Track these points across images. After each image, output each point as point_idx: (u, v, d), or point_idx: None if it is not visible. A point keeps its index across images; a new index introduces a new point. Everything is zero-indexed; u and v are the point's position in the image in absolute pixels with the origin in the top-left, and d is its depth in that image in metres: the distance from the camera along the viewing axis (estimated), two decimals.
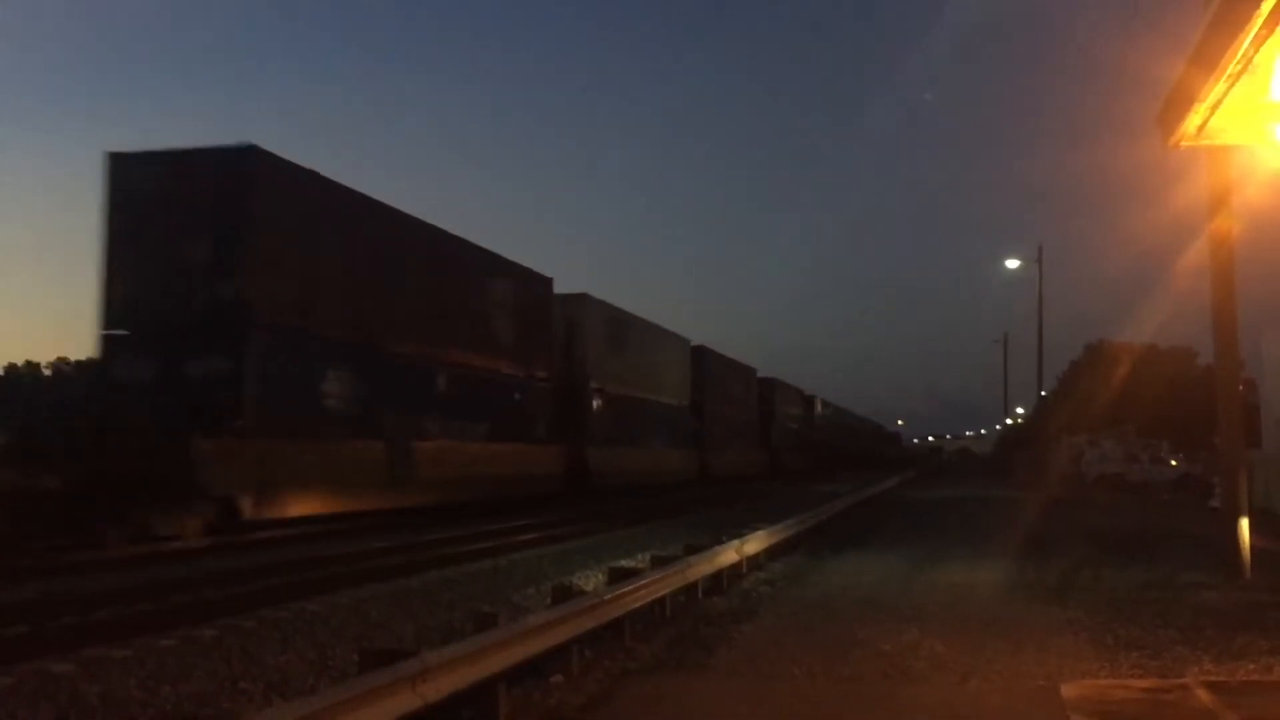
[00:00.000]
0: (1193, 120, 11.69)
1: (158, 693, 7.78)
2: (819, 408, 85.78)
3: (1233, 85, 10.33)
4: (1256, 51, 9.34)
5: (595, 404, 35.36)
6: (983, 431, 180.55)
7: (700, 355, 49.62)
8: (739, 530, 16.19)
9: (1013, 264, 55.01)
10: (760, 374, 65.02)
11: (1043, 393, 58.74)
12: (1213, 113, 11.34)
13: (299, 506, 19.67)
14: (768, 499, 34.98)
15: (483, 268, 28.62)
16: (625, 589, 9.81)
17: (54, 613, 10.60)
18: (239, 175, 19.57)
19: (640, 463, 39.43)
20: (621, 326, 38.67)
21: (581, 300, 35.03)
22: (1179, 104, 11.75)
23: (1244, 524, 14.09)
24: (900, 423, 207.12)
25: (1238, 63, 9.67)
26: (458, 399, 26.04)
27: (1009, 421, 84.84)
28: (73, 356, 33.55)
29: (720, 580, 13.42)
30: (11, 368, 39.25)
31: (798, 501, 28.88)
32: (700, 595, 12.49)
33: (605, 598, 9.28)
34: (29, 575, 13.16)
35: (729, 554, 13.86)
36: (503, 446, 28.20)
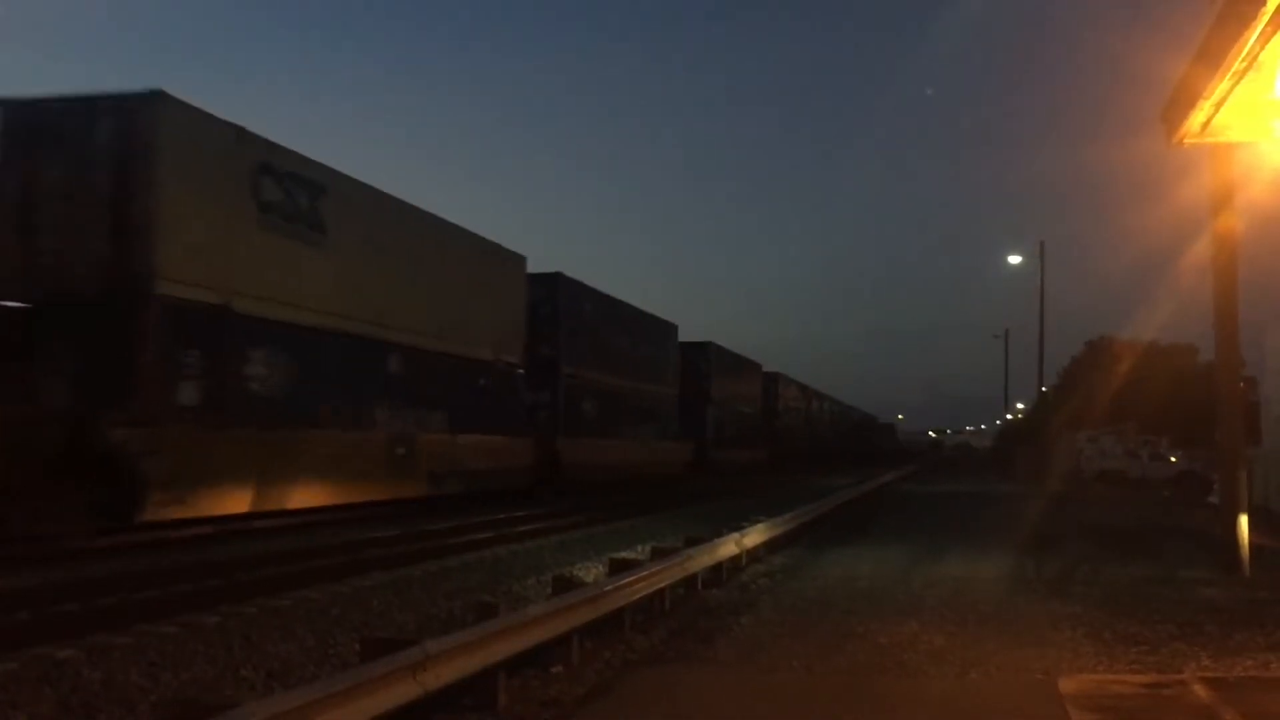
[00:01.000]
0: (1197, 117, 11.71)
1: (159, 679, 7.82)
2: (785, 389, 68.03)
3: (1238, 82, 10.35)
4: (1262, 49, 9.35)
5: (173, 336, 15.62)
6: (983, 426, 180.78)
7: (554, 288, 30.69)
8: (739, 523, 16.24)
9: (1015, 260, 55.08)
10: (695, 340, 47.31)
11: (1043, 388, 58.75)
12: (1217, 110, 11.36)
13: None
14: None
15: None
16: (625, 580, 9.85)
17: (56, 599, 10.62)
18: None
19: (321, 460, 18.57)
20: (298, 191, 18.27)
21: (149, 111, 15.51)
22: (1183, 101, 11.76)
23: (1243, 521, 14.13)
24: (900, 417, 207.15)
25: (1243, 60, 9.68)
26: None
27: (1009, 417, 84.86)
28: None
29: (720, 572, 13.45)
30: None
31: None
32: (700, 587, 12.52)
33: (605, 589, 9.31)
34: (30, 562, 13.18)
35: (729, 546, 13.90)
36: None
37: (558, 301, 30.83)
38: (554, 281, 30.99)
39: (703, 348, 47.91)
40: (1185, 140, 12.64)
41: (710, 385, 47.73)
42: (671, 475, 39.88)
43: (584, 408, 32.51)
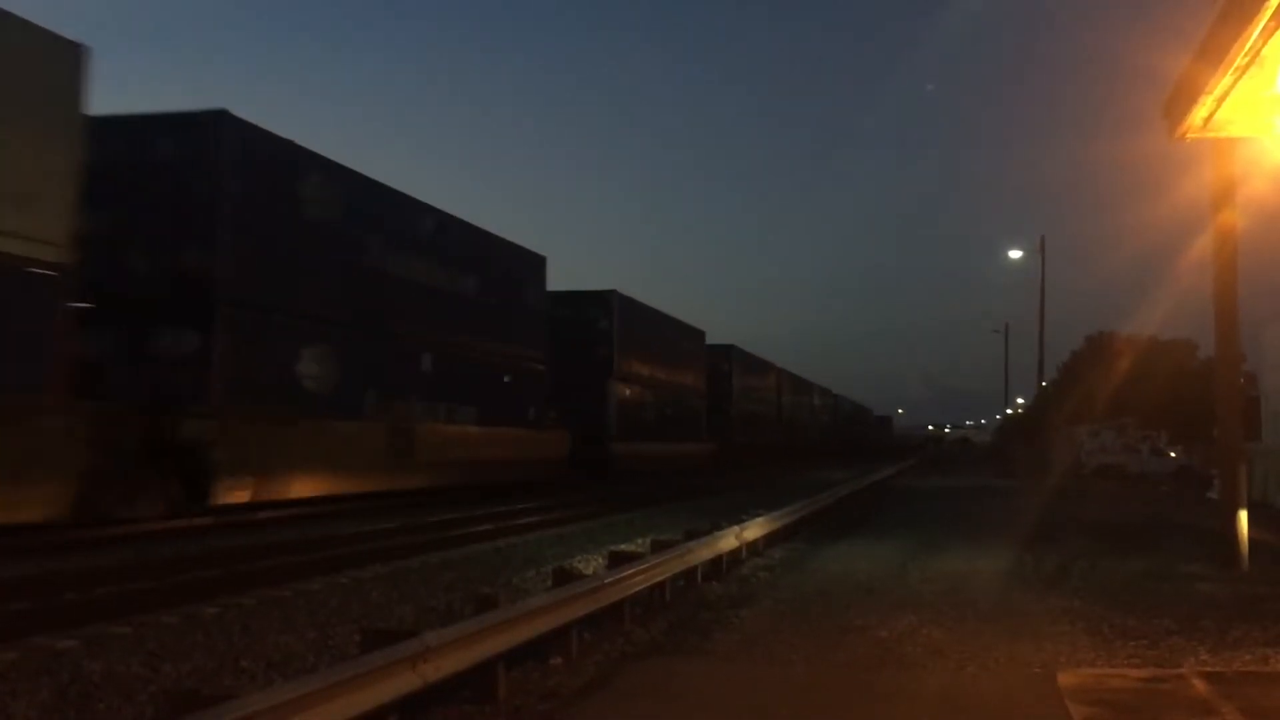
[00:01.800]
0: (1199, 112, 11.70)
1: (159, 670, 7.83)
2: (743, 369, 54.17)
3: (1240, 77, 10.35)
4: (1264, 44, 9.35)
5: None
6: (982, 421, 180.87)
7: (212, 142, 16.86)
8: (739, 516, 16.26)
9: (1015, 254, 55.05)
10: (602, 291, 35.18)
11: (1043, 383, 58.75)
12: (1219, 105, 11.36)
13: None
14: None
15: None
16: (625, 573, 9.85)
17: (56, 589, 10.63)
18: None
19: None
20: None
21: None
22: (1186, 96, 11.75)
23: (1242, 516, 14.14)
24: (900, 411, 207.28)
25: (1245, 55, 9.68)
26: None
27: (1009, 412, 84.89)
28: None
29: (720, 566, 13.46)
30: None
31: None
32: (700, 580, 12.53)
33: (605, 581, 9.32)
34: (30, 552, 13.20)
35: (729, 540, 13.90)
36: None
37: (218, 167, 16.92)
38: (211, 130, 16.88)
39: (603, 299, 34.32)
40: (1187, 135, 12.64)
41: (615, 353, 34.66)
42: (536, 477, 28.06)
43: (299, 365, 18.77)
